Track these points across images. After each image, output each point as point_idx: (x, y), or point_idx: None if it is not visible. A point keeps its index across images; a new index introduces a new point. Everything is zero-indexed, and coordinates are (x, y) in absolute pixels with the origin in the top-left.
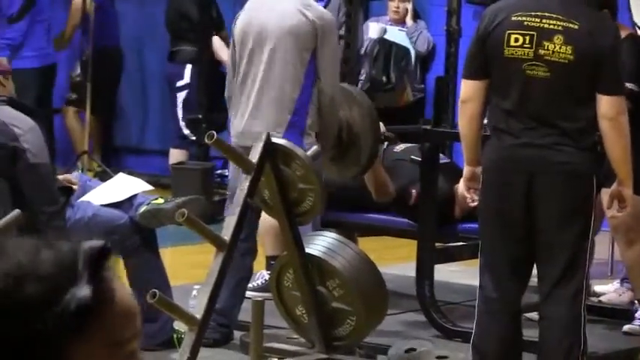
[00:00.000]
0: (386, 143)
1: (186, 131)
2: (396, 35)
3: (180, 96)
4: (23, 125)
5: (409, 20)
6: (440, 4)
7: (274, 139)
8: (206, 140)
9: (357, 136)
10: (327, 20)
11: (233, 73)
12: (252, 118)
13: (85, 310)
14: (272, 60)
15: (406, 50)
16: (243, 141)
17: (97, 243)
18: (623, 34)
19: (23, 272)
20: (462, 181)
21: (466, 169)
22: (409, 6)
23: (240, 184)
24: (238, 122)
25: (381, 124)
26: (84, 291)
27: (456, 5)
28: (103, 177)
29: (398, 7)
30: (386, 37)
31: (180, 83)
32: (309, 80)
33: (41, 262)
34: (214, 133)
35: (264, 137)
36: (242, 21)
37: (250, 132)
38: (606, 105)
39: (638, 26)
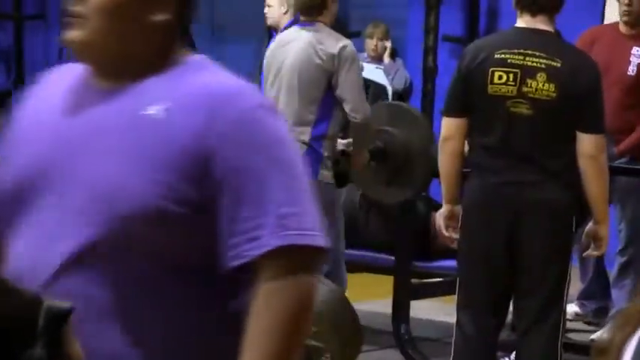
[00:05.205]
0: None
1: None
2: (373, 73)
3: None
4: None
5: (387, 58)
6: (416, 42)
7: None
8: None
9: (414, 158)
10: (344, 50)
11: None
12: None
13: None
14: (287, 100)
15: (383, 88)
16: None
17: (61, 305)
18: None
19: None
20: (439, 218)
21: (445, 207)
22: (388, 44)
23: None
24: None
25: None
26: (41, 355)
27: (432, 43)
28: None
29: (376, 46)
30: (363, 74)
31: None
32: (326, 112)
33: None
34: None
35: None
36: (267, 57)
37: None
38: (587, 143)
39: None
